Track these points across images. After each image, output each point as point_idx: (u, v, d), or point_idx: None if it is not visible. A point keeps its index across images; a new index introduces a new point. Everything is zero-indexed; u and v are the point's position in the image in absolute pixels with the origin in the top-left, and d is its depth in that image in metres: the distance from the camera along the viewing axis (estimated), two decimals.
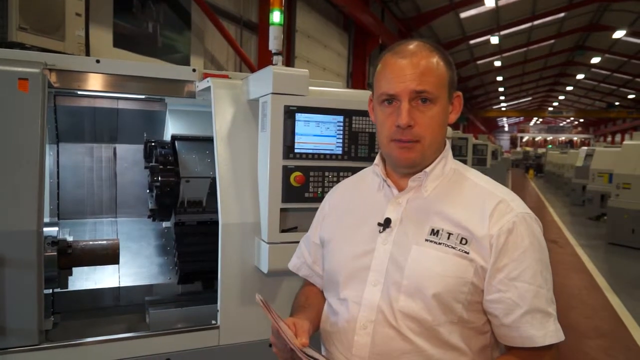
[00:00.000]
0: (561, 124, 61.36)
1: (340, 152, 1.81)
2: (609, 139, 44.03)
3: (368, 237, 1.17)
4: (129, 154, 2.54)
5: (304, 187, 1.76)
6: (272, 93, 1.69)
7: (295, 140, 1.73)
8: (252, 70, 7.74)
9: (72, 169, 2.43)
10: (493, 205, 1.08)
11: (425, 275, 1.06)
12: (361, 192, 1.27)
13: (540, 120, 58.87)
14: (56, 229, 1.89)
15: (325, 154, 1.79)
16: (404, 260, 1.09)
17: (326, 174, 1.79)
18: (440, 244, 1.08)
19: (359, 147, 1.83)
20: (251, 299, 1.82)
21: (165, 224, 2.55)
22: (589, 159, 11.93)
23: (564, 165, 18.51)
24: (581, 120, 52.77)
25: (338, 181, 1.81)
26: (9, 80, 1.54)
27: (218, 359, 1.78)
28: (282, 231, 1.76)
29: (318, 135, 1.78)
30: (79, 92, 2.12)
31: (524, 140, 61.95)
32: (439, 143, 1.15)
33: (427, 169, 1.14)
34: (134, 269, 2.38)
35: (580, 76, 30.08)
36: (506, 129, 65.79)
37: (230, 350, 1.79)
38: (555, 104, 45.20)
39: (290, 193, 1.74)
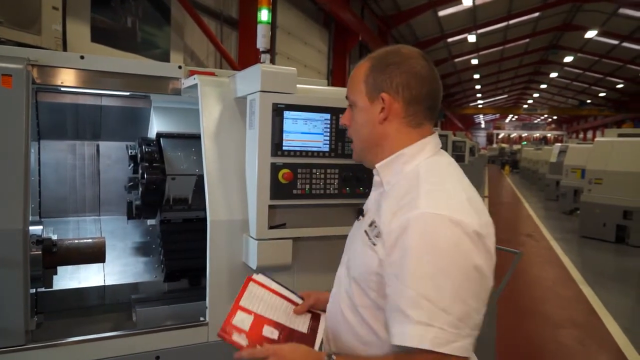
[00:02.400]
0: (535, 121, 62.68)
1: (327, 150, 1.84)
2: (581, 135, 45.22)
3: (357, 224, 1.30)
4: (113, 151, 2.52)
5: (292, 184, 1.78)
6: (261, 91, 1.70)
7: (284, 138, 1.75)
8: (233, 66, 7.68)
9: (53, 167, 2.40)
10: (406, 202, 1.08)
11: (353, 260, 1.22)
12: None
13: (516, 117, 60.00)
14: (41, 227, 1.87)
15: (312, 151, 1.81)
16: (351, 245, 1.26)
17: (314, 171, 1.82)
18: (367, 234, 1.16)
19: (345, 144, 1.86)
20: None
21: (149, 222, 2.53)
22: (563, 155, 12.26)
23: (538, 161, 18.95)
24: (555, 117, 54.00)
25: (325, 178, 1.84)
26: None
27: (207, 355, 1.79)
28: (271, 228, 1.78)
29: (306, 133, 1.80)
30: (62, 89, 2.09)
31: (500, 137, 63.06)
32: (370, 141, 1.21)
33: (377, 165, 1.22)
34: (118, 267, 2.37)
35: (553, 74, 30.76)
36: (483, 125, 66.87)
37: (219, 346, 1.79)
38: (530, 101, 46.11)
39: (278, 190, 1.76)
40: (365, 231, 1.17)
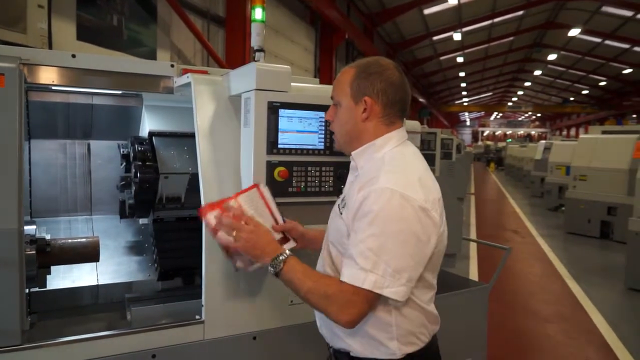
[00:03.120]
0: (520, 119, 63.43)
1: (322, 147, 1.85)
2: (565, 132, 45.91)
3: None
4: (104, 150, 2.50)
5: (287, 181, 1.79)
6: (256, 89, 1.70)
7: (279, 136, 1.76)
8: (221, 64, 7.65)
9: (44, 166, 2.37)
10: (370, 180, 1.34)
11: (329, 228, 1.50)
12: None
13: (500, 114, 60.64)
14: (34, 227, 1.85)
15: (307, 149, 1.83)
16: (330, 219, 1.52)
17: (309, 168, 1.83)
18: (338, 207, 1.45)
19: None
20: (236, 293, 1.84)
21: (142, 221, 2.52)
22: (547, 152, 12.44)
23: (523, 158, 19.20)
24: (539, 114, 54.70)
25: (320, 176, 1.86)
26: None
27: (203, 353, 1.79)
28: None
29: (301, 131, 1.81)
30: (53, 88, 2.07)
31: (485, 134, 63.73)
32: (352, 135, 1.46)
33: (353, 152, 1.47)
34: (112, 266, 2.35)
35: (537, 72, 31.18)
36: (468, 123, 67.47)
37: (215, 344, 1.80)
38: (515, 99, 46.67)
39: (274, 188, 1.75)
40: (338, 204, 1.47)
